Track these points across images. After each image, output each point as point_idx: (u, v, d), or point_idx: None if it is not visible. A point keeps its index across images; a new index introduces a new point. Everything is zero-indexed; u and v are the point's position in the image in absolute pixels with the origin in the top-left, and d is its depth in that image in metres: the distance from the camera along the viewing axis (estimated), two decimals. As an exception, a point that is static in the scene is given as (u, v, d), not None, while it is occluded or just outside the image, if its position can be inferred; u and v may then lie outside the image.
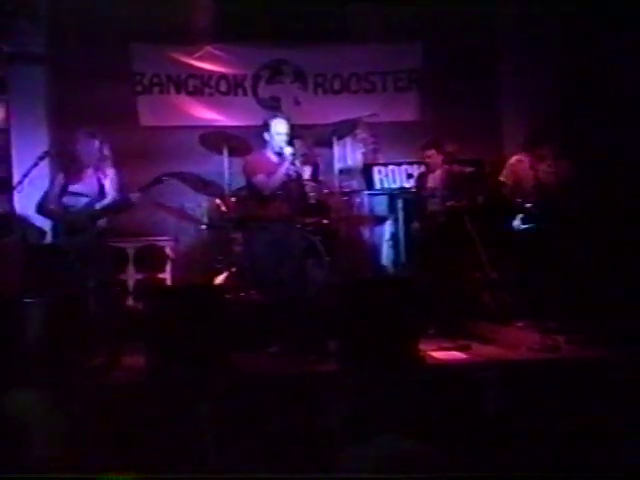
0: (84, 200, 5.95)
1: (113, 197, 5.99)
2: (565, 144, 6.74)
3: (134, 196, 6.03)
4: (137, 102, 8.19)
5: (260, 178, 5.99)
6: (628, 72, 7.49)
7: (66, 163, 6.17)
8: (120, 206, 6.04)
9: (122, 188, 6.09)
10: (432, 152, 6.90)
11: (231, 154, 7.36)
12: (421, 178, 7.06)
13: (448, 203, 6.65)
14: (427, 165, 7.02)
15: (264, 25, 8.09)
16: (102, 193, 5.97)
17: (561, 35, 7.93)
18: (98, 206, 5.94)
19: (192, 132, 7.84)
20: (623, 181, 7.17)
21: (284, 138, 6.03)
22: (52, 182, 6.16)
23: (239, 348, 5.63)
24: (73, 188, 5.97)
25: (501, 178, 6.81)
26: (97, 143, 6.00)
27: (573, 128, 7.41)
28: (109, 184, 6.01)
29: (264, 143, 6.16)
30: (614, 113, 7.45)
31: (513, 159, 6.82)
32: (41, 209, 6.11)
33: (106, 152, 6.04)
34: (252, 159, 6.27)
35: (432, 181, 6.92)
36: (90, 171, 6.02)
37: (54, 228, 6.25)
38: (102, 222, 6.01)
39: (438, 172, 6.87)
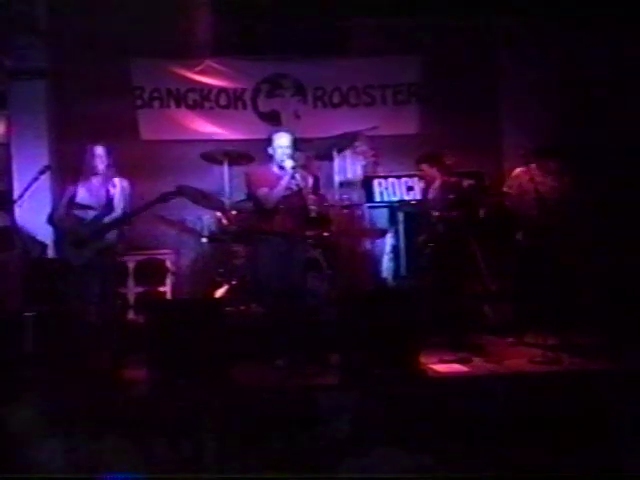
0: (92, 213, 5.97)
1: (122, 210, 6.01)
2: (567, 157, 6.75)
3: (139, 212, 6.06)
4: (137, 116, 8.22)
5: (263, 192, 5.99)
6: (629, 84, 7.52)
7: (74, 175, 6.19)
8: (123, 221, 6.06)
9: (132, 201, 6.12)
10: (425, 166, 6.89)
11: (231, 167, 7.37)
12: (422, 192, 7.07)
13: (436, 213, 6.62)
14: (423, 178, 7.03)
15: (264, 39, 8.11)
16: (110, 206, 5.99)
17: (561, 47, 7.95)
18: (106, 220, 5.95)
19: (192, 146, 7.86)
20: (623, 192, 7.18)
21: (286, 151, 6.03)
22: (61, 194, 6.19)
23: (240, 361, 5.63)
24: (81, 200, 5.99)
25: (504, 188, 6.84)
26: (104, 152, 6.03)
27: (574, 140, 7.42)
28: (118, 197, 6.03)
29: (266, 157, 6.16)
30: (615, 125, 7.48)
31: (517, 170, 6.84)
32: (51, 220, 6.14)
33: (113, 164, 6.07)
34: (254, 173, 6.27)
35: (432, 194, 6.92)
36: (98, 181, 6.05)
37: (58, 241, 6.26)
38: (110, 236, 6.02)
39: (437, 184, 6.87)
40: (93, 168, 6.03)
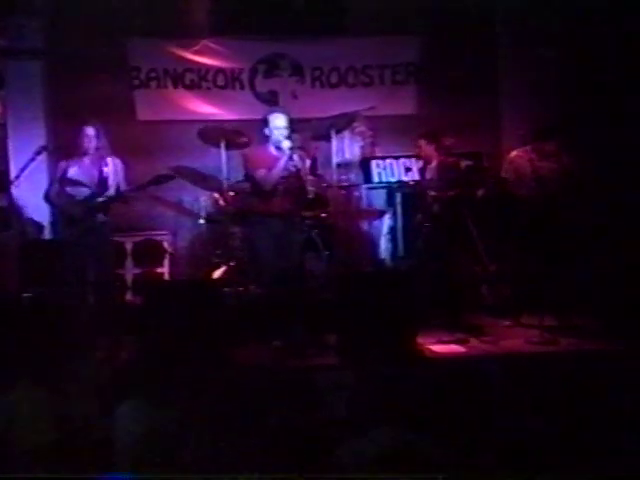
0: (85, 191, 5.97)
1: (116, 189, 6.02)
2: (567, 138, 6.72)
3: (131, 193, 6.07)
4: (134, 96, 8.18)
5: (261, 173, 5.98)
6: (629, 66, 7.48)
7: (66, 152, 6.20)
8: (115, 201, 6.07)
9: (127, 179, 6.12)
10: (423, 142, 6.88)
11: (229, 148, 7.33)
12: (419, 171, 7.06)
13: (433, 193, 6.61)
14: (420, 156, 7.01)
15: (262, 19, 8.06)
16: (104, 185, 5.99)
17: (562, 28, 7.90)
18: (100, 198, 5.96)
19: (190, 126, 7.82)
20: (624, 175, 7.16)
21: (283, 132, 6.01)
22: (55, 171, 6.20)
23: (237, 342, 5.64)
24: (73, 176, 5.99)
25: (503, 174, 6.79)
26: (94, 132, 6.03)
27: (574, 121, 7.38)
28: (112, 176, 6.03)
29: (263, 137, 6.14)
30: (615, 108, 7.44)
31: (513, 154, 6.80)
32: (47, 197, 6.16)
33: (105, 142, 6.07)
34: (252, 154, 6.26)
35: (430, 174, 6.90)
36: (90, 161, 6.05)
37: (54, 222, 6.27)
38: (101, 215, 6.02)
39: (435, 164, 6.86)
40: (83, 148, 6.05)
